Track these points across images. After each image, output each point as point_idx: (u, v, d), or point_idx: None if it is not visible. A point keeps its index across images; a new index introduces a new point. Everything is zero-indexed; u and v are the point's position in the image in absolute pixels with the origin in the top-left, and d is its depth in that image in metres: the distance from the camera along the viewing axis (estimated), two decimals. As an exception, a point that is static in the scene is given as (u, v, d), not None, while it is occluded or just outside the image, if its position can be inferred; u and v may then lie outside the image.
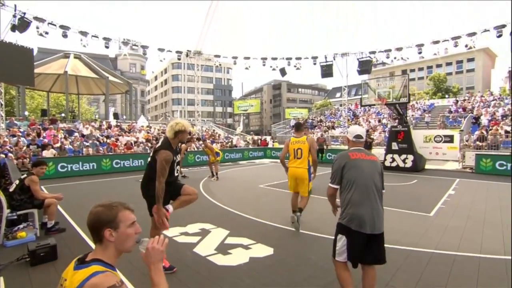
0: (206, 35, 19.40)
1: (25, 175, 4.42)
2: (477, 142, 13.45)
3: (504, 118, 15.76)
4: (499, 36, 13.83)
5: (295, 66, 22.76)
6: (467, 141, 13.82)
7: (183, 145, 10.13)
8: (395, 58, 19.12)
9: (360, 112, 27.62)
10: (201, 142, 19.39)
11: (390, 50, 19.05)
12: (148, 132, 17.92)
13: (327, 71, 23.01)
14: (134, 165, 12.31)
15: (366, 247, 2.25)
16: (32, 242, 3.73)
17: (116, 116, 21.32)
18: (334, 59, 22.70)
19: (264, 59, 22.35)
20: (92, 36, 16.49)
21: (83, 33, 16.25)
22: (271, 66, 22.71)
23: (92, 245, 3.79)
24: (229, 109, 69.94)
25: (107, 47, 17.66)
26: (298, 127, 4.87)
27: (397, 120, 13.08)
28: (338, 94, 66.91)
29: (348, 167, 2.33)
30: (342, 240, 2.29)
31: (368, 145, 13.79)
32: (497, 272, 3.15)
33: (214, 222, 4.89)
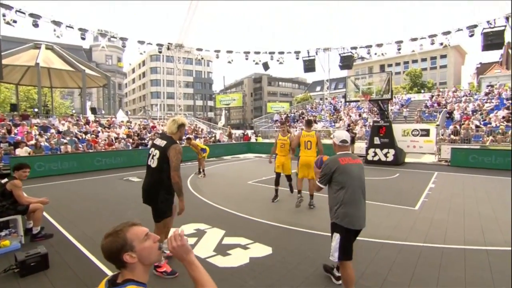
0: (189, 28, 18.91)
1: (6, 180, 4.16)
2: (452, 136, 14.18)
3: (474, 113, 16.69)
4: (471, 35, 14.56)
5: (278, 61, 22.82)
6: (442, 135, 14.53)
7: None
8: (375, 54, 19.64)
9: (340, 106, 28.18)
10: (184, 137, 19.13)
11: (371, 46, 19.57)
12: (129, 128, 17.34)
13: (309, 65, 23.29)
14: (116, 162, 11.90)
15: None
16: (19, 251, 3.54)
17: (94, 110, 20.45)
18: (317, 54, 23.01)
19: (247, 53, 22.22)
20: (67, 26, 15.61)
21: (56, 23, 15.35)
22: (254, 60, 22.65)
23: (84, 251, 3.66)
24: (209, 103, 69.15)
25: (83, 38, 16.83)
26: (309, 124, 5.93)
27: (378, 115, 13.48)
28: (318, 88, 67.89)
29: (338, 171, 2.59)
30: (336, 238, 2.57)
31: (351, 140, 14.18)
32: (481, 262, 3.39)
33: (208, 222, 4.86)
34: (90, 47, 45.59)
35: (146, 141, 15.70)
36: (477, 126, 14.26)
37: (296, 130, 22.18)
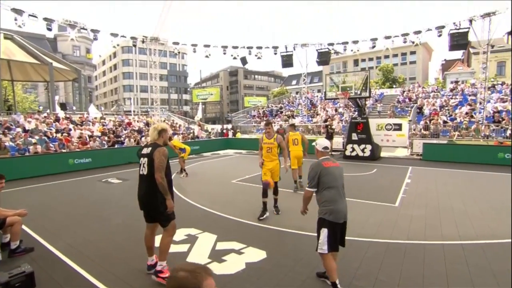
0: (165, 21, 18.24)
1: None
2: (422, 131, 15.02)
3: (442, 109, 17.77)
4: (439, 35, 15.38)
5: (256, 56, 22.69)
6: (414, 130, 15.34)
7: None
8: (351, 50, 20.16)
9: (317, 101, 28.75)
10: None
11: (347, 43, 20.00)
12: (103, 125, 16.55)
13: (287, 61, 23.40)
14: (93, 162, 11.37)
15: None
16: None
17: (63, 106, 19.25)
18: (294, 49, 23.16)
19: (224, 47, 21.86)
20: (30, 15, 14.42)
21: (18, 11, 14.14)
22: (232, 55, 22.34)
23: (73, 265, 3.50)
24: (185, 96, 67.63)
25: (49, 29, 15.65)
26: (294, 127, 8.28)
27: (355, 111, 13.92)
28: (294, 82, 68.77)
29: (323, 174, 2.95)
30: (324, 232, 2.87)
31: (330, 136, 14.58)
32: (458, 257, 3.69)
33: (198, 226, 4.84)
34: (55, 36, 42.49)
35: (122, 138, 15.11)
36: (444, 122, 15.21)
37: (275, 125, 22.41)
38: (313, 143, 3.34)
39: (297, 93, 62.58)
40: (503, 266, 3.46)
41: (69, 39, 16.15)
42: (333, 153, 14.71)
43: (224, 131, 22.64)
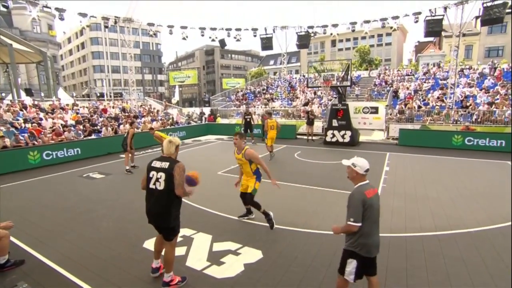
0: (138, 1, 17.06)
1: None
2: (398, 115, 15.69)
3: (416, 93, 18.55)
4: (416, 21, 15.78)
5: (235, 38, 22.12)
6: (390, 114, 15.98)
7: (130, 129, 9.31)
8: (331, 34, 20.19)
9: (296, 83, 28.83)
10: (140, 120, 17.98)
11: (326, 26, 19.99)
12: (77, 113, 15.68)
13: (267, 44, 23.09)
14: (70, 154, 10.88)
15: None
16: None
17: (29, 92, 17.89)
18: (274, 32, 22.79)
19: (202, 29, 21.05)
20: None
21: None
22: (210, 37, 21.63)
23: (70, 277, 3.47)
24: (159, 77, 65.05)
25: (5, 6, 14.20)
26: (271, 114, 11.42)
27: (336, 98, 14.19)
28: (271, 62, 68.05)
29: (366, 206, 2.52)
30: (352, 264, 2.62)
31: (310, 121, 14.86)
32: (435, 248, 4.09)
33: (191, 226, 4.90)
34: (9, 9, 38.38)
35: (99, 127, 14.47)
36: (419, 106, 15.95)
37: (255, 108, 22.37)
38: (349, 162, 2.67)
39: (275, 73, 62.22)
40: (473, 255, 3.89)
41: (30, 19, 14.74)
42: (313, 138, 15.09)
43: (206, 116, 22.14)
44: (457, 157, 10.15)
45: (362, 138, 14.91)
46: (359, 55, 40.50)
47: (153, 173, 3.20)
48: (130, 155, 9.21)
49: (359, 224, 2.50)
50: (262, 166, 4.68)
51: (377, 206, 2.64)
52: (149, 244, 4.33)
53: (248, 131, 14.27)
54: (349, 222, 2.52)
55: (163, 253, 3.43)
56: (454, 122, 13.94)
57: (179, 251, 4.15)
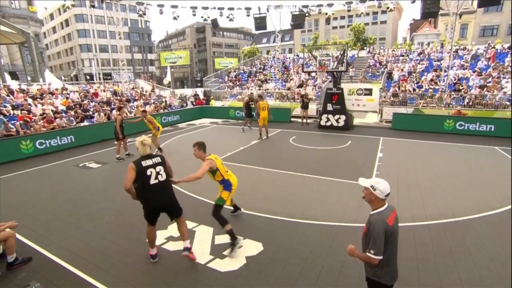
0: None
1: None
2: (392, 98, 15.79)
3: (410, 75, 18.56)
4: (413, 2, 15.48)
5: (227, 17, 21.42)
6: (384, 97, 16.06)
7: (118, 116, 9.16)
8: (326, 13, 19.70)
9: (289, 63, 28.44)
10: (132, 104, 17.67)
11: (321, 5, 19.47)
12: (67, 98, 15.30)
13: (260, 23, 22.48)
14: (64, 142, 10.74)
15: None
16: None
17: (14, 76, 17.26)
18: (268, 11, 22.10)
19: (194, 8, 20.27)
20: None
21: None
22: (202, 17, 20.89)
23: (81, 274, 3.61)
24: (149, 56, 63.21)
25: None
26: (262, 97, 11.98)
27: (331, 82, 14.12)
28: (264, 40, 66.52)
29: (388, 234, 2.30)
30: None
31: (305, 105, 14.87)
32: (424, 238, 4.34)
33: (192, 218, 5.02)
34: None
35: (91, 112, 14.22)
36: (413, 89, 16.04)
37: (249, 89, 22.16)
38: (368, 183, 2.38)
39: (268, 52, 60.95)
40: (459, 244, 4.16)
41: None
42: (308, 121, 15.17)
43: (197, 98, 21.74)
44: (448, 142, 10.42)
45: (356, 121, 15.07)
46: (354, 33, 39.78)
47: (150, 170, 3.54)
48: (122, 143, 9.17)
49: (380, 257, 2.28)
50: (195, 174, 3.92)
51: (396, 230, 2.42)
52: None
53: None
54: (369, 254, 2.31)
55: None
56: (447, 106, 14.14)
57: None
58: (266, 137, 11.71)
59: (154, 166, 3.57)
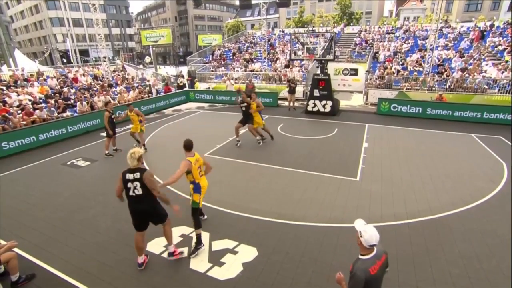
0: None
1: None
2: (377, 81, 15.98)
3: (395, 55, 18.66)
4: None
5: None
6: (370, 79, 16.23)
7: (106, 112, 8.72)
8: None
9: (275, 40, 27.86)
10: (115, 89, 17.02)
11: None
12: (43, 84, 14.53)
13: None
14: (48, 138, 10.30)
15: None
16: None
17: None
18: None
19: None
20: None
21: None
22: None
23: (77, 283, 3.76)
24: (128, 30, 59.85)
25: None
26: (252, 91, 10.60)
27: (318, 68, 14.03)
28: (248, 13, 64.14)
29: (369, 283, 2.31)
30: None
31: (292, 90, 14.86)
32: (404, 236, 4.74)
33: (188, 223, 5.09)
34: None
35: (73, 101, 13.67)
36: (398, 71, 16.24)
37: (234, 71, 21.74)
38: (359, 228, 2.43)
39: (252, 26, 58.82)
40: (434, 242, 4.59)
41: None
42: (295, 106, 15.25)
43: (180, 82, 20.83)
44: (430, 129, 10.83)
45: (342, 103, 15.28)
46: (340, 8, 38.88)
47: (129, 184, 3.84)
48: (111, 139, 9.01)
49: None
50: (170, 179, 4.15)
51: (381, 275, 2.45)
52: (151, 247, 4.67)
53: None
54: None
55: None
56: (430, 89, 14.51)
57: (182, 252, 4.52)
58: (270, 137, 9.87)
59: (132, 181, 3.81)
